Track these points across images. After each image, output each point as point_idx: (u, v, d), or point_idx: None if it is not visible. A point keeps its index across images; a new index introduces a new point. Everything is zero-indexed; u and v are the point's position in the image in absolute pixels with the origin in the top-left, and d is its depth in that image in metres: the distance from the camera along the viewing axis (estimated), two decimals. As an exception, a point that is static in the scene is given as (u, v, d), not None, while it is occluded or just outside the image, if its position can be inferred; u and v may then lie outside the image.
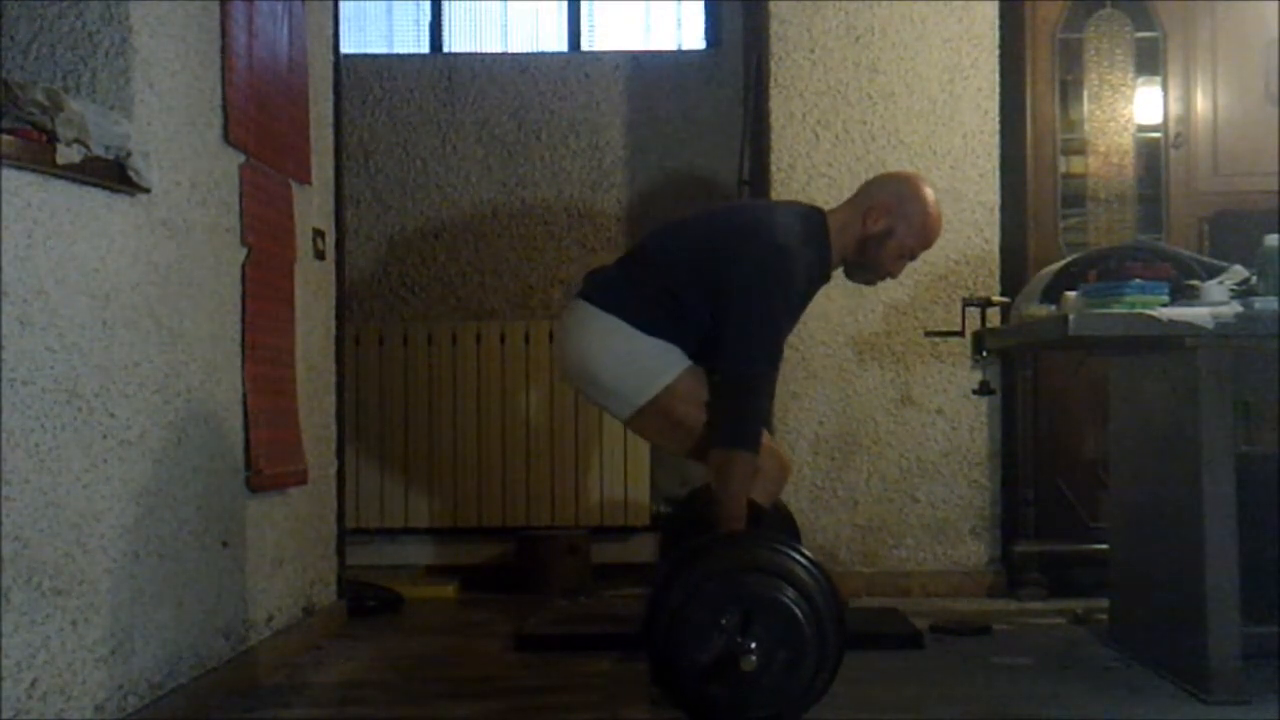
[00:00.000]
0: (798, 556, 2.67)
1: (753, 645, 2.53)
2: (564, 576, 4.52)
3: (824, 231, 3.01)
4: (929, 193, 3.06)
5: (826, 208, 3.14)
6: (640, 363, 2.93)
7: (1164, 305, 2.94)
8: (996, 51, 4.40)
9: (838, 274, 3.14)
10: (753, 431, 2.84)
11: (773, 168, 4.40)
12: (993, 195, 4.39)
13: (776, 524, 3.23)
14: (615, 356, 2.94)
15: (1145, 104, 4.38)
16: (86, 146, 2.31)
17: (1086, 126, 4.39)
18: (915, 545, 4.39)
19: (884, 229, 3.01)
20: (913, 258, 3.09)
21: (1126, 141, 4.37)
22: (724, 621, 2.56)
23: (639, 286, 2.96)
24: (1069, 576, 4.26)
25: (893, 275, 3.10)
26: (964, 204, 4.36)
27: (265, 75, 3.29)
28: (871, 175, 4.40)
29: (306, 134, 3.65)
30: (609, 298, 2.97)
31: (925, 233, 3.05)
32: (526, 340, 4.78)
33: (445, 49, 5.28)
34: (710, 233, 2.99)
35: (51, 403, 2.25)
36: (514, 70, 5.11)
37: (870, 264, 3.07)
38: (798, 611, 2.57)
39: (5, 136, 2.12)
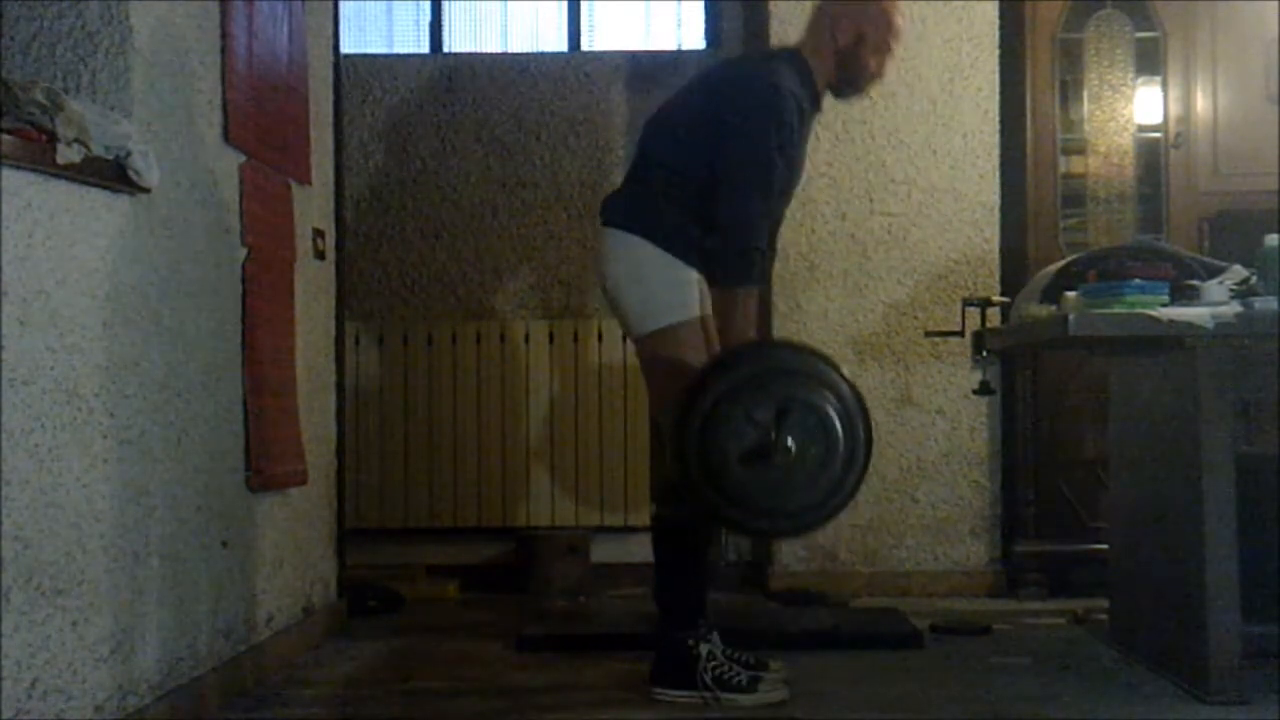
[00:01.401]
0: (823, 360, 2.80)
1: (788, 439, 2.64)
2: (564, 576, 4.52)
3: (805, 66, 3.09)
4: None
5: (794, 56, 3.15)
6: (660, 290, 2.98)
7: (1164, 305, 2.94)
8: (996, 51, 4.40)
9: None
10: (752, 265, 2.92)
11: (773, 168, 4.39)
12: (993, 195, 4.39)
13: None
14: (637, 279, 3.00)
15: (1145, 104, 4.38)
16: (86, 146, 2.31)
17: (1086, 126, 4.39)
18: (915, 545, 4.39)
19: (854, 36, 3.08)
20: (889, 51, 3.14)
21: (1126, 141, 4.37)
22: (758, 417, 2.65)
23: (652, 194, 3.02)
24: (1069, 576, 4.26)
25: (880, 76, 3.16)
26: (964, 204, 4.36)
27: (265, 75, 3.29)
28: (872, 175, 4.44)
29: (306, 134, 3.65)
30: (628, 217, 3.03)
31: (891, 21, 3.11)
32: (526, 340, 4.77)
33: (445, 49, 5.27)
34: (702, 99, 3.08)
35: (51, 403, 2.25)
36: (514, 70, 5.10)
37: (854, 75, 3.14)
38: (829, 408, 2.69)
39: (5, 136, 2.12)
